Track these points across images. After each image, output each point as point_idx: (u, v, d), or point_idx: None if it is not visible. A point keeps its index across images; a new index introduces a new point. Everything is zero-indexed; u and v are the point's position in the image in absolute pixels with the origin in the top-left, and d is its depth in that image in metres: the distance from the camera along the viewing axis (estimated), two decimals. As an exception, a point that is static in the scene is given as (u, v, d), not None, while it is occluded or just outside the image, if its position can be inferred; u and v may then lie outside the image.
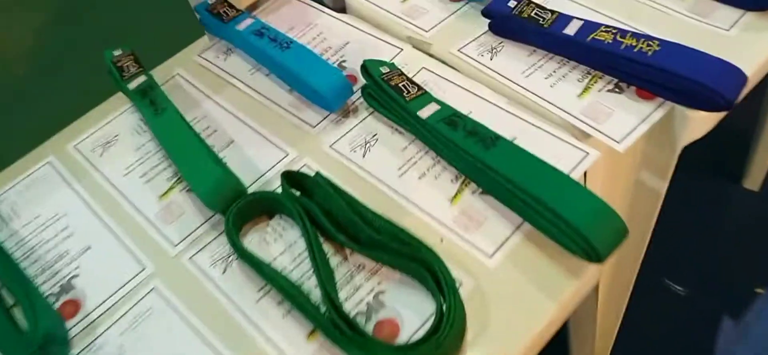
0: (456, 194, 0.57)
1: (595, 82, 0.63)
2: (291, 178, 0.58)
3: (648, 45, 0.59)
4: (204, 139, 0.66)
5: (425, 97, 0.61)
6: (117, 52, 0.71)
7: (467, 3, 0.75)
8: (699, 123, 0.60)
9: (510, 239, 0.54)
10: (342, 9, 0.80)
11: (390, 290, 0.52)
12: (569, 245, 0.50)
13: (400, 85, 0.62)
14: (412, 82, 0.63)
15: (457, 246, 0.54)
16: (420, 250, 0.51)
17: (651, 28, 0.67)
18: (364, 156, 0.62)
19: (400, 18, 0.75)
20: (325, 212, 0.57)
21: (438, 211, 0.56)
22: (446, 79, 0.67)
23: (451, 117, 0.59)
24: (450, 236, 0.55)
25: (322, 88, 0.64)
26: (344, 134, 0.64)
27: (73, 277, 0.58)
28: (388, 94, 0.62)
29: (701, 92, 0.57)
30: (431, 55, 0.71)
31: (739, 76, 0.56)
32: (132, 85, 0.68)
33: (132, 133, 0.68)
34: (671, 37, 0.65)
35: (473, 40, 0.70)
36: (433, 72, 0.68)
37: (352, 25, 0.75)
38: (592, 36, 0.62)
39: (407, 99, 0.60)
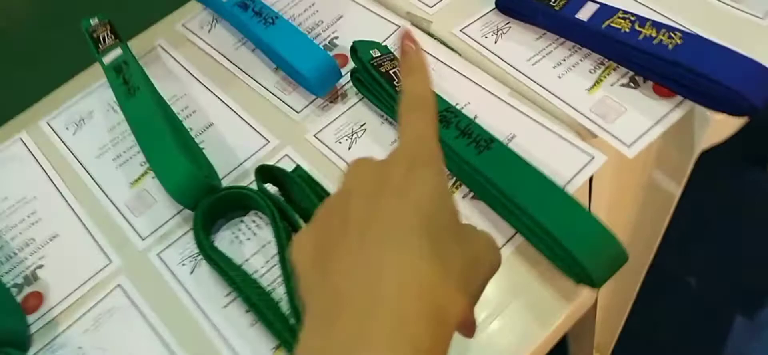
0: (445, 197, 0.52)
1: (608, 75, 0.57)
2: (266, 172, 0.54)
3: (669, 37, 0.53)
4: (181, 122, 0.61)
5: (418, 86, 0.55)
6: (93, 21, 0.66)
7: (475, -24, 0.68)
8: (721, 126, 0.54)
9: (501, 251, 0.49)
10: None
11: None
12: (563, 267, 0.45)
13: (390, 71, 0.56)
14: (405, 69, 0.57)
15: (442, 257, 0.49)
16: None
17: (676, 13, 0.60)
18: (349, 148, 0.57)
19: (401, -10, 0.69)
20: (302, 211, 0.52)
21: (425, 215, 0.52)
22: (445, 64, 0.62)
23: (443, 113, 0.53)
24: (436, 245, 0.50)
25: (306, 72, 0.59)
26: (330, 123, 0.59)
27: (38, 267, 0.54)
28: (377, 82, 0.56)
29: (725, 94, 0.50)
30: (431, 35, 0.65)
31: (769, 80, 0.50)
32: (107, 58, 0.63)
33: (107, 110, 0.64)
34: (699, 23, 0.59)
35: (478, 19, 0.64)
36: (431, 55, 0.63)
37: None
38: (607, 23, 0.56)
39: (397, 88, 0.55)
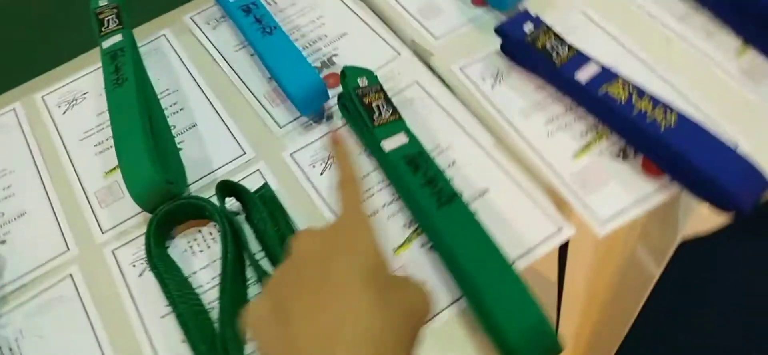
0: (403, 243, 0.51)
1: (599, 141, 0.54)
2: (228, 188, 0.53)
3: (665, 116, 0.50)
4: (166, 118, 0.61)
5: (397, 124, 0.54)
6: (102, 2, 0.67)
7: (489, 10, 0.66)
8: (705, 218, 0.50)
9: (443, 312, 0.47)
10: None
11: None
12: (495, 343, 0.43)
13: (373, 104, 0.55)
14: (388, 103, 0.55)
15: (386, 307, 0.48)
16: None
17: (687, 85, 0.56)
18: (321, 173, 0.56)
19: (412, 16, 0.67)
20: (258, 232, 0.52)
21: (378, 259, 0.50)
22: (435, 101, 0.59)
23: (415, 156, 0.51)
24: (382, 293, 0.48)
25: (292, 89, 0.58)
26: (309, 144, 0.58)
27: (0, 243, 0.55)
28: (358, 112, 0.55)
29: (712, 188, 0.47)
30: (430, 67, 0.63)
31: (760, 182, 0.46)
32: (106, 43, 0.63)
33: (100, 95, 0.64)
34: (711, 98, 0.55)
35: (480, 59, 0.62)
36: (424, 89, 0.61)
37: (357, 14, 0.68)
38: (605, 88, 0.53)
39: (375, 123, 0.53)
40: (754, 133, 0.53)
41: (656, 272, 0.58)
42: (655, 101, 0.51)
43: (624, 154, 0.53)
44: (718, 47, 0.59)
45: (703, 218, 0.50)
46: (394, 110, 0.55)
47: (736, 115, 0.54)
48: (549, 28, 0.58)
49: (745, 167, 0.46)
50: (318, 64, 0.64)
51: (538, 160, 0.54)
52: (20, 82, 0.67)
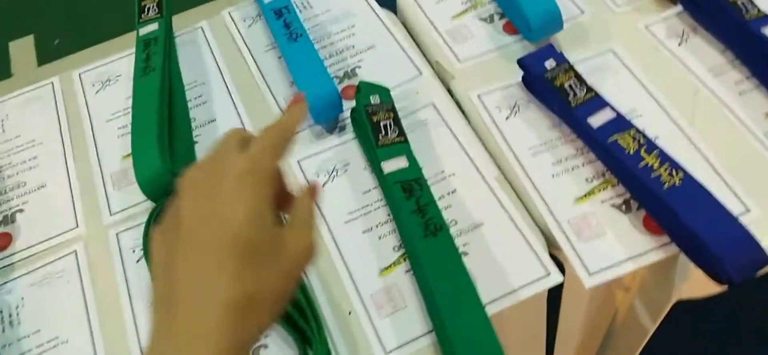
0: (389, 266, 0.51)
1: (603, 189, 0.53)
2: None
3: (670, 175, 0.48)
4: (188, 110, 0.63)
5: (400, 147, 0.54)
6: (146, -11, 0.69)
7: (520, 39, 0.65)
8: (701, 283, 0.48)
9: (416, 341, 0.47)
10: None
11: (272, 345, 0.48)
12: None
13: (381, 123, 0.55)
14: (396, 124, 0.55)
15: (361, 326, 0.48)
16: (311, 328, 0.46)
17: (708, 140, 0.54)
18: (324, 185, 0.57)
19: (441, 36, 0.66)
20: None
21: (363, 279, 0.50)
22: (447, 126, 0.59)
23: (411, 182, 0.51)
24: (361, 312, 0.49)
25: (308, 98, 0.58)
26: (317, 153, 0.59)
27: (18, 211, 0.59)
28: (366, 128, 0.55)
29: (706, 256, 0.45)
30: (449, 90, 0.63)
31: (757, 256, 0.44)
32: (143, 30, 0.66)
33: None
34: (728, 157, 0.53)
35: (500, 89, 0.61)
36: (438, 112, 0.60)
37: (387, 28, 0.68)
38: (615, 136, 0.51)
39: (380, 143, 0.54)
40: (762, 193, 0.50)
41: (651, 327, 0.56)
42: (663, 158, 0.49)
43: (627, 207, 0.52)
44: (747, 106, 0.56)
45: (700, 282, 0.48)
46: (401, 132, 0.55)
47: (753, 178, 0.52)
48: (571, 67, 0.57)
49: (744, 240, 0.44)
50: (340, 73, 0.65)
51: (538, 200, 0.53)
52: (53, 57, 0.70)
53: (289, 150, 0.38)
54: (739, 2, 0.59)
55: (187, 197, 0.35)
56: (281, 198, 0.39)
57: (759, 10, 0.58)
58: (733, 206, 0.50)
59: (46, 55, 1.54)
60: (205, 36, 0.70)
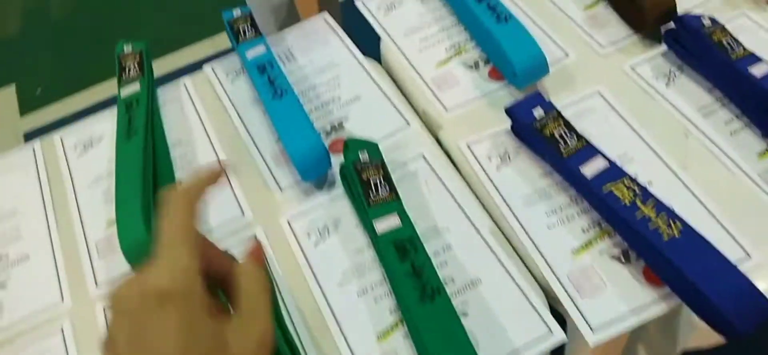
0: (388, 331, 0.50)
1: (600, 240, 0.52)
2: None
3: (668, 226, 0.47)
4: (173, 172, 0.62)
5: (392, 205, 0.53)
6: (127, 48, 0.68)
7: (506, 84, 0.64)
8: (707, 334, 0.47)
9: (420, 411, 0.46)
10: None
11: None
12: None
13: (371, 180, 0.54)
14: (387, 181, 0.54)
15: (360, 397, 0.47)
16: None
17: (702, 184, 0.54)
18: (315, 245, 0.55)
19: (426, 84, 0.66)
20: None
21: (361, 346, 0.49)
22: (438, 178, 0.58)
23: (405, 242, 0.50)
24: (359, 382, 0.48)
25: (295, 155, 0.57)
26: (307, 211, 0.58)
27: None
28: (355, 188, 0.54)
29: (709, 309, 0.44)
30: (438, 140, 0.62)
31: (762, 307, 0.43)
32: (124, 91, 0.65)
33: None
34: (725, 201, 0.52)
35: (489, 137, 0.60)
36: (428, 163, 0.60)
37: (372, 78, 0.67)
38: (609, 186, 0.51)
39: (371, 201, 0.53)
40: (766, 243, 0.50)
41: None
42: (660, 207, 0.48)
43: (625, 257, 0.51)
44: (739, 147, 0.56)
45: (706, 333, 0.48)
46: (392, 188, 0.54)
47: (750, 222, 0.51)
48: (559, 115, 0.56)
49: (748, 292, 0.44)
50: (328, 127, 0.64)
51: (535, 254, 0.52)
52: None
53: (202, 212, 0.36)
54: (724, 42, 0.59)
55: (117, 324, 0.33)
56: (216, 269, 0.37)
57: (744, 49, 0.58)
58: (732, 253, 0.49)
59: (29, 103, 1.52)
60: (188, 92, 0.69)
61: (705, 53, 0.60)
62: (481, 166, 0.58)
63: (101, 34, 1.55)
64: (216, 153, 0.63)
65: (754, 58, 0.57)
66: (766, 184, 0.54)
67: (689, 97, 0.61)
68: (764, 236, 0.50)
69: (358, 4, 0.75)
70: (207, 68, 0.71)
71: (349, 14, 0.73)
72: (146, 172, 0.57)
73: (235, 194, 0.60)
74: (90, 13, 1.62)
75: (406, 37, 0.71)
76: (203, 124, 0.66)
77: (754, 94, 0.56)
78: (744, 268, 0.48)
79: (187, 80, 0.70)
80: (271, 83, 0.63)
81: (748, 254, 0.50)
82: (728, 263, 0.45)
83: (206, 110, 0.67)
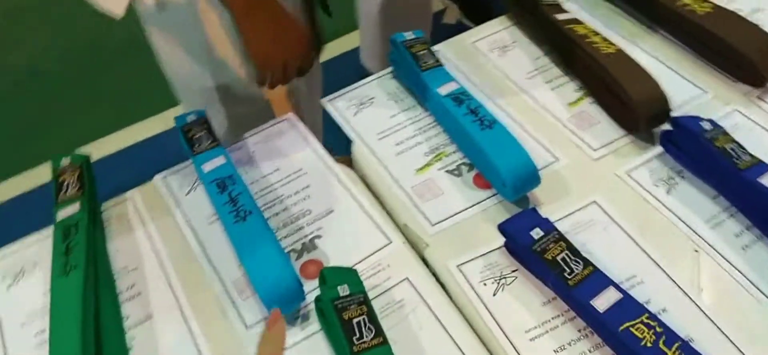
0: None
1: (618, 381, 0.46)
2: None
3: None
4: (118, 308, 0.53)
5: (380, 351, 0.46)
6: (65, 161, 0.60)
7: (493, 194, 0.59)
8: None
9: None
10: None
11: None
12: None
13: (354, 321, 0.47)
14: (372, 321, 0.47)
15: None
16: None
17: (721, 310, 0.49)
18: (290, 398, 0.47)
19: (407, 194, 0.60)
20: None
21: None
22: (428, 307, 0.52)
23: None
24: None
25: (262, 291, 0.50)
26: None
27: None
28: (336, 331, 0.47)
29: None
30: (424, 260, 0.55)
31: None
32: (62, 212, 0.56)
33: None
34: (750, 330, 0.47)
35: (481, 257, 0.54)
36: (415, 289, 0.53)
37: (346, 188, 0.61)
38: (626, 325, 0.45)
39: (355, 349, 0.45)
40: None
41: None
42: (688, 352, 0.43)
43: (648, 404, 0.45)
44: (755, 265, 0.51)
45: None
46: (378, 331, 0.47)
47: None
48: (561, 237, 0.51)
49: None
50: (298, 246, 0.57)
51: (544, 402, 0.45)
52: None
53: None
54: (728, 149, 0.55)
55: None
56: None
57: (752, 157, 0.54)
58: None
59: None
60: (136, 208, 0.61)
61: (707, 160, 0.55)
62: (476, 293, 0.52)
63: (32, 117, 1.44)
64: (169, 283, 0.55)
65: (764, 167, 0.53)
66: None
67: (693, 207, 0.56)
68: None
69: (325, 103, 0.69)
70: (157, 180, 0.64)
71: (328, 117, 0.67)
72: (86, 317, 0.48)
73: (191, 333, 0.52)
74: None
75: (380, 140, 0.65)
76: (154, 248, 0.58)
77: (766, 206, 0.52)
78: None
79: (135, 194, 0.62)
80: (232, 203, 0.55)
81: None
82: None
83: (158, 230, 0.59)
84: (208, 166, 0.59)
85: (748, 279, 0.51)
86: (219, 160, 0.59)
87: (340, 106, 0.68)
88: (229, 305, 0.53)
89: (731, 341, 0.47)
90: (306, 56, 0.79)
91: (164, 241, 0.58)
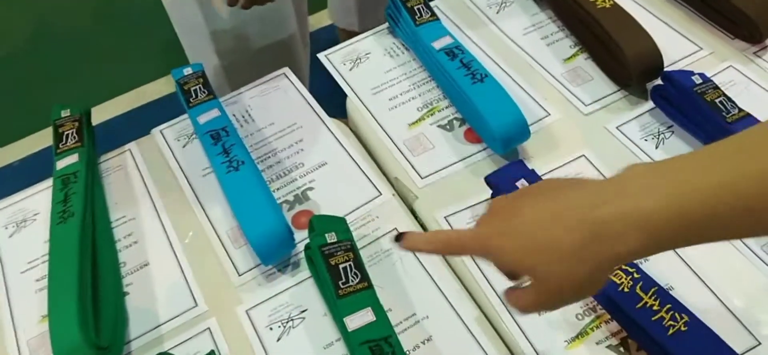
0: None
1: (597, 327, 0.47)
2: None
3: (673, 319, 0.43)
4: (116, 255, 0.55)
5: (364, 296, 0.47)
6: (65, 113, 0.61)
7: (483, 148, 0.59)
8: None
9: None
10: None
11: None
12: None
13: (340, 267, 0.48)
14: (357, 267, 0.49)
15: None
16: None
17: (706, 264, 0.49)
18: (278, 339, 0.49)
19: (398, 148, 0.60)
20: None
21: None
22: (415, 256, 0.53)
23: (380, 342, 0.45)
24: None
25: (253, 239, 0.51)
26: (269, 298, 0.52)
27: None
28: (323, 275, 0.48)
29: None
30: (413, 212, 0.56)
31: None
32: (60, 163, 0.58)
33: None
34: (732, 283, 0.48)
35: (469, 208, 0.55)
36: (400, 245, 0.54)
37: (339, 141, 0.62)
38: (604, 268, 0.45)
39: (341, 292, 0.47)
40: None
41: None
42: (664, 298, 0.44)
43: (625, 348, 0.46)
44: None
45: None
46: (364, 276, 0.48)
47: (755, 303, 0.47)
48: (546, 185, 0.51)
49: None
50: (290, 197, 0.58)
51: (525, 346, 0.46)
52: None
53: None
54: (717, 102, 0.55)
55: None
56: None
57: (740, 110, 0.54)
58: (742, 341, 0.45)
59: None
60: (134, 160, 0.63)
61: (698, 114, 0.56)
62: (461, 243, 0.53)
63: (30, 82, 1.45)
64: (165, 231, 0.57)
65: (752, 120, 0.53)
66: (771, 258, 0.49)
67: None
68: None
69: (321, 57, 0.69)
70: (155, 132, 0.65)
71: (315, 72, 0.67)
72: (84, 263, 0.50)
73: (186, 281, 0.53)
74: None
75: (374, 95, 0.65)
76: (151, 198, 0.59)
77: (753, 159, 0.52)
78: (756, 360, 0.44)
79: (133, 146, 0.64)
80: (225, 153, 0.56)
81: (758, 341, 0.45)
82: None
83: (154, 180, 0.61)
84: (203, 118, 0.60)
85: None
86: (214, 113, 0.60)
87: (335, 61, 0.69)
88: (223, 255, 0.55)
89: (711, 289, 0.48)
90: None
91: (161, 192, 0.60)
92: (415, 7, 0.67)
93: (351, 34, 0.76)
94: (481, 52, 0.68)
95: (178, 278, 0.53)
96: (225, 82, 0.83)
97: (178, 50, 0.86)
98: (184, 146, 0.63)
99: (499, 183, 0.53)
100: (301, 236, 0.54)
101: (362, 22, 1.08)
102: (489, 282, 0.50)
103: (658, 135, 0.58)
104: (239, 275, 0.53)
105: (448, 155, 0.59)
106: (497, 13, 0.73)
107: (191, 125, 0.64)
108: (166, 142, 0.64)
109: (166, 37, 0.88)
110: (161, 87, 1.35)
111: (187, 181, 0.60)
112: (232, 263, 0.54)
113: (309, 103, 0.65)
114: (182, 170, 0.61)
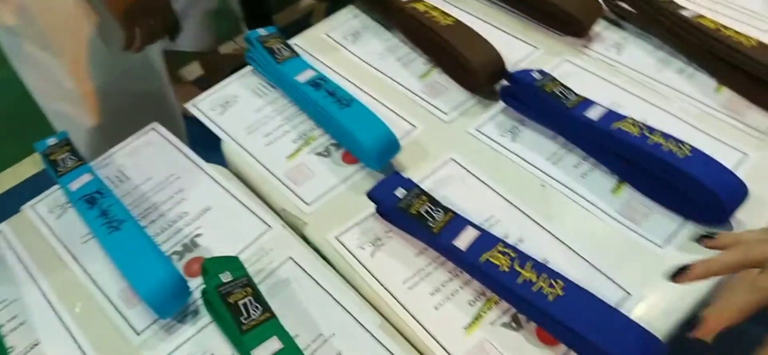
0: None
1: (489, 310, 0.51)
2: None
3: (551, 286, 0.47)
4: (1, 340, 0.52)
5: (269, 327, 0.48)
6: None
7: (362, 167, 0.63)
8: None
9: None
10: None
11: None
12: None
13: (240, 303, 0.49)
14: (258, 299, 0.50)
15: None
16: None
17: (568, 231, 0.55)
18: (190, 388, 0.49)
19: (280, 181, 0.62)
20: None
21: None
22: (313, 279, 0.55)
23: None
24: None
25: (146, 295, 0.51)
26: (172, 352, 0.51)
27: None
28: (223, 318, 0.49)
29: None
30: (304, 238, 0.58)
31: (656, 348, 0.44)
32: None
33: None
34: (591, 243, 0.54)
35: (356, 225, 0.58)
36: (299, 265, 0.56)
37: (220, 184, 0.63)
38: (485, 256, 0.50)
39: (244, 327, 0.48)
40: (640, 277, 0.52)
41: None
42: (539, 268, 0.49)
43: (516, 322, 0.50)
44: (593, 187, 0.59)
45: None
46: (265, 307, 0.49)
47: (622, 260, 0.53)
48: (422, 191, 0.55)
49: (639, 337, 0.44)
50: (179, 248, 0.58)
51: (428, 340, 0.50)
52: None
53: None
54: (557, 91, 0.61)
55: None
56: None
57: (577, 95, 0.61)
58: (614, 295, 0.50)
59: None
60: (7, 242, 0.60)
61: (541, 105, 0.62)
62: (355, 257, 0.56)
63: None
64: (52, 307, 0.55)
65: (588, 103, 0.60)
66: (625, 218, 0.56)
67: (536, 148, 0.62)
68: (637, 268, 0.52)
69: (189, 107, 0.70)
70: (26, 208, 0.62)
71: (190, 125, 0.68)
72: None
73: (83, 352, 0.52)
74: None
75: (248, 134, 0.67)
76: (31, 276, 0.57)
77: (595, 136, 0.59)
78: (627, 306, 0.50)
79: (4, 227, 0.61)
80: (104, 215, 0.56)
81: (628, 293, 0.51)
82: (614, 311, 0.46)
83: (32, 258, 0.59)
84: (75, 185, 0.59)
85: (589, 201, 0.58)
86: (86, 178, 0.59)
87: (204, 108, 0.69)
88: (118, 318, 0.54)
89: (581, 255, 0.54)
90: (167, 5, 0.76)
91: (41, 268, 0.58)
92: (275, 47, 0.69)
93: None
94: (343, 80, 0.71)
95: (74, 352, 0.52)
96: (101, 143, 0.81)
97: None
98: (58, 217, 0.61)
99: (380, 196, 0.56)
100: (197, 283, 0.55)
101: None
102: (386, 289, 0.53)
103: (513, 129, 0.64)
104: (138, 334, 0.52)
105: (329, 179, 0.62)
106: (353, 42, 0.77)
107: (63, 195, 0.62)
108: (40, 216, 0.61)
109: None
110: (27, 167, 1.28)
111: (68, 251, 0.58)
112: (129, 324, 0.53)
113: (183, 153, 0.66)
114: (61, 241, 0.59)
